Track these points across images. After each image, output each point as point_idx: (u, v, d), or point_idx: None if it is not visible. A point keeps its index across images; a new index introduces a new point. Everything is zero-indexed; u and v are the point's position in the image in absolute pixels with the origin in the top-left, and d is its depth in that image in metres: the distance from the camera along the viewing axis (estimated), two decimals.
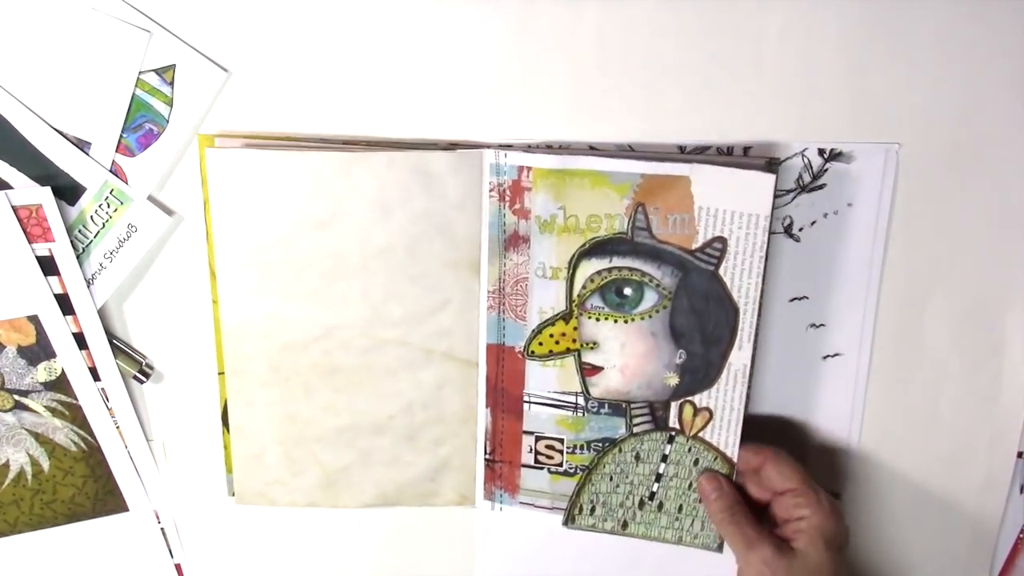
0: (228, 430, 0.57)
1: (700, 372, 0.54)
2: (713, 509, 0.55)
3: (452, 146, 0.52)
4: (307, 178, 0.51)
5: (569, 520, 0.59)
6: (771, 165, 0.51)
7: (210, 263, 0.54)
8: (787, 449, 0.56)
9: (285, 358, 0.55)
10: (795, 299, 0.55)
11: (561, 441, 0.57)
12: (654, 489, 0.57)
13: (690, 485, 0.56)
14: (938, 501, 0.59)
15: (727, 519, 0.54)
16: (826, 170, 0.52)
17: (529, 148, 0.51)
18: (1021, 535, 0.60)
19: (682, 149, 0.52)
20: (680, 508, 0.57)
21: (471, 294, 0.54)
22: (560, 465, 0.58)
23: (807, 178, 0.52)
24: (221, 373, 0.56)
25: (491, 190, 0.52)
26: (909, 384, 0.56)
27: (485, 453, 0.58)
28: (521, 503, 0.59)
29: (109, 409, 0.56)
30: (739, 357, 0.53)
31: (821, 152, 0.52)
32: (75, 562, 0.61)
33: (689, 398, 0.55)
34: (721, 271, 0.52)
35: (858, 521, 0.60)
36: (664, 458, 0.56)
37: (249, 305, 0.54)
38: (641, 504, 0.58)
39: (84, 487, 0.59)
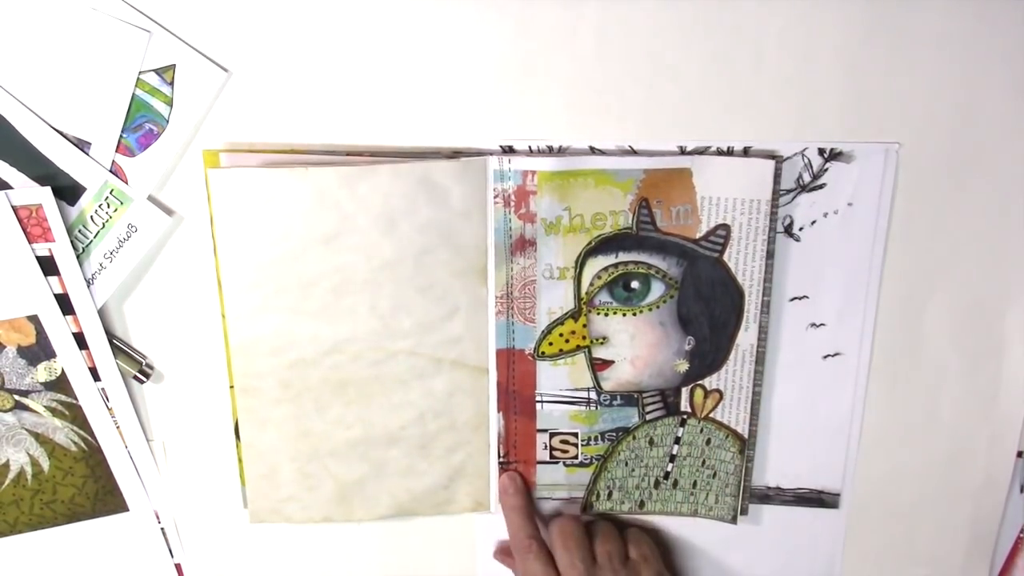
0: (239, 441, 0.58)
1: (709, 356, 0.55)
2: (506, 504, 0.58)
3: (455, 154, 0.52)
4: (311, 195, 0.51)
5: (587, 507, 0.59)
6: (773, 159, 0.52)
7: (217, 279, 0.54)
8: (788, 447, 0.57)
9: (295, 374, 0.55)
10: (795, 298, 0.55)
11: (575, 435, 0.57)
12: (668, 469, 0.58)
13: (703, 462, 0.58)
14: (938, 500, 0.59)
15: (515, 518, 0.57)
16: (826, 170, 0.52)
17: (531, 151, 0.52)
18: (1021, 535, 0.60)
19: (683, 150, 0.52)
20: (694, 484, 0.58)
21: (479, 301, 0.54)
22: (575, 458, 0.58)
23: (807, 178, 0.52)
24: (231, 387, 0.56)
25: (495, 196, 0.52)
26: (909, 383, 0.57)
27: (499, 457, 0.58)
28: (539, 498, 0.59)
29: (109, 409, 0.56)
30: (746, 338, 0.55)
31: (821, 152, 0.52)
32: (75, 562, 0.61)
33: (699, 382, 0.56)
34: (725, 257, 0.53)
35: (857, 520, 0.60)
36: (677, 440, 0.57)
37: (256, 324, 0.54)
38: (656, 484, 0.59)
39: (84, 487, 0.59)
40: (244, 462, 0.58)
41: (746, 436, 0.57)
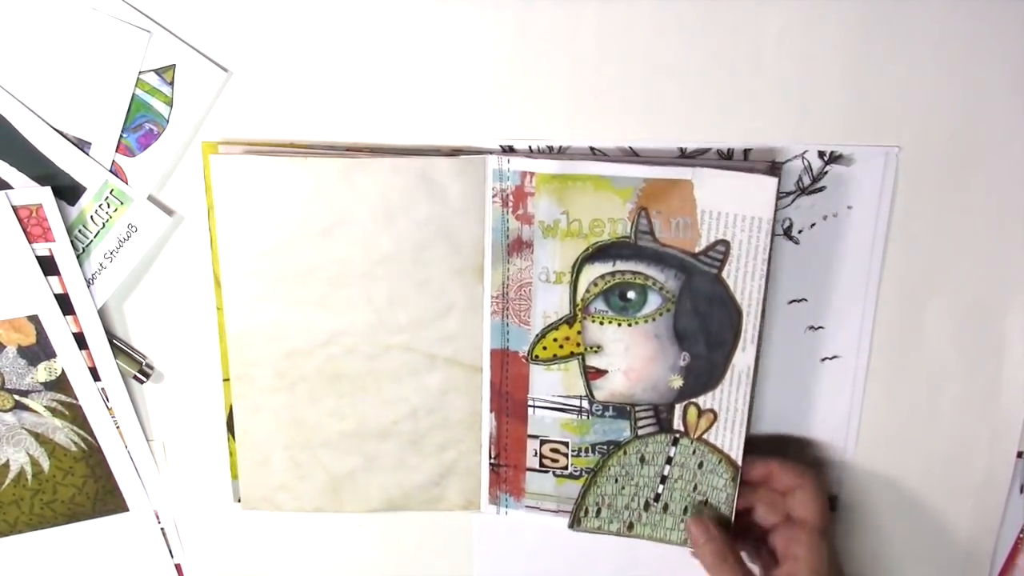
0: (233, 436, 0.57)
1: (704, 374, 0.54)
2: (704, 552, 0.56)
3: (455, 152, 0.52)
4: (310, 184, 0.51)
5: (575, 523, 0.59)
6: (773, 169, 0.51)
7: (214, 270, 0.54)
8: (786, 448, 0.57)
9: (290, 364, 0.55)
10: (794, 301, 0.55)
11: (566, 444, 0.57)
12: (659, 491, 0.57)
13: (695, 487, 0.56)
14: (937, 502, 0.59)
15: (718, 564, 0.55)
16: (826, 172, 0.52)
17: (531, 152, 0.52)
18: (1020, 535, 0.60)
19: (683, 151, 0.52)
20: (685, 510, 0.57)
21: (475, 299, 0.54)
22: (565, 468, 0.58)
23: (807, 180, 0.52)
24: (226, 380, 0.56)
25: (494, 196, 0.52)
26: (908, 386, 0.56)
27: (490, 457, 0.58)
28: (527, 507, 0.59)
29: (109, 409, 0.56)
30: (743, 359, 0.53)
31: (821, 154, 0.51)
32: (75, 562, 0.61)
33: (693, 400, 0.55)
34: (724, 274, 0.52)
35: (857, 522, 0.60)
36: (669, 460, 0.56)
37: (254, 312, 0.54)
38: (646, 506, 0.58)
39: (84, 487, 0.59)
40: (237, 451, 0.58)
41: (739, 463, 0.55)
